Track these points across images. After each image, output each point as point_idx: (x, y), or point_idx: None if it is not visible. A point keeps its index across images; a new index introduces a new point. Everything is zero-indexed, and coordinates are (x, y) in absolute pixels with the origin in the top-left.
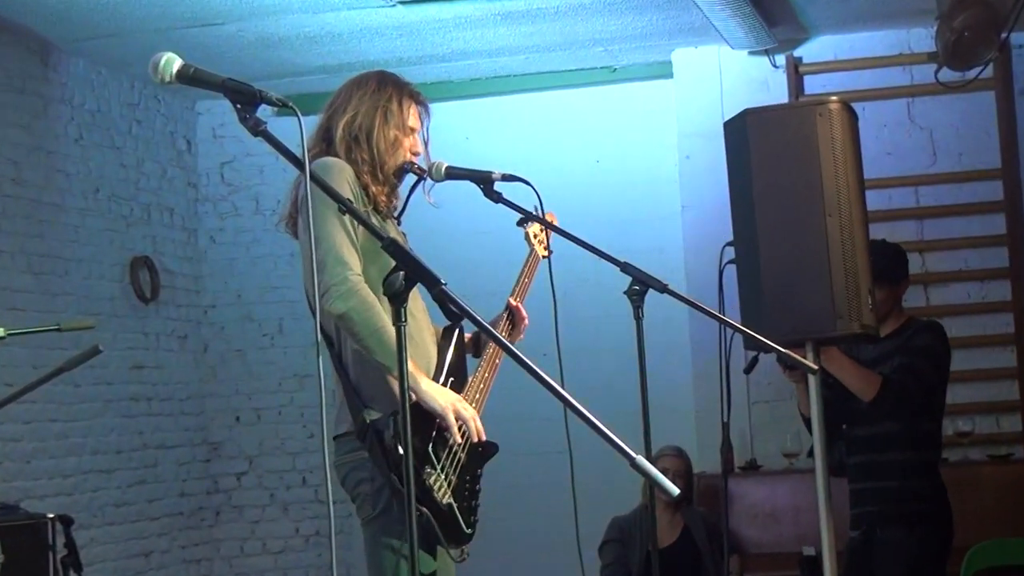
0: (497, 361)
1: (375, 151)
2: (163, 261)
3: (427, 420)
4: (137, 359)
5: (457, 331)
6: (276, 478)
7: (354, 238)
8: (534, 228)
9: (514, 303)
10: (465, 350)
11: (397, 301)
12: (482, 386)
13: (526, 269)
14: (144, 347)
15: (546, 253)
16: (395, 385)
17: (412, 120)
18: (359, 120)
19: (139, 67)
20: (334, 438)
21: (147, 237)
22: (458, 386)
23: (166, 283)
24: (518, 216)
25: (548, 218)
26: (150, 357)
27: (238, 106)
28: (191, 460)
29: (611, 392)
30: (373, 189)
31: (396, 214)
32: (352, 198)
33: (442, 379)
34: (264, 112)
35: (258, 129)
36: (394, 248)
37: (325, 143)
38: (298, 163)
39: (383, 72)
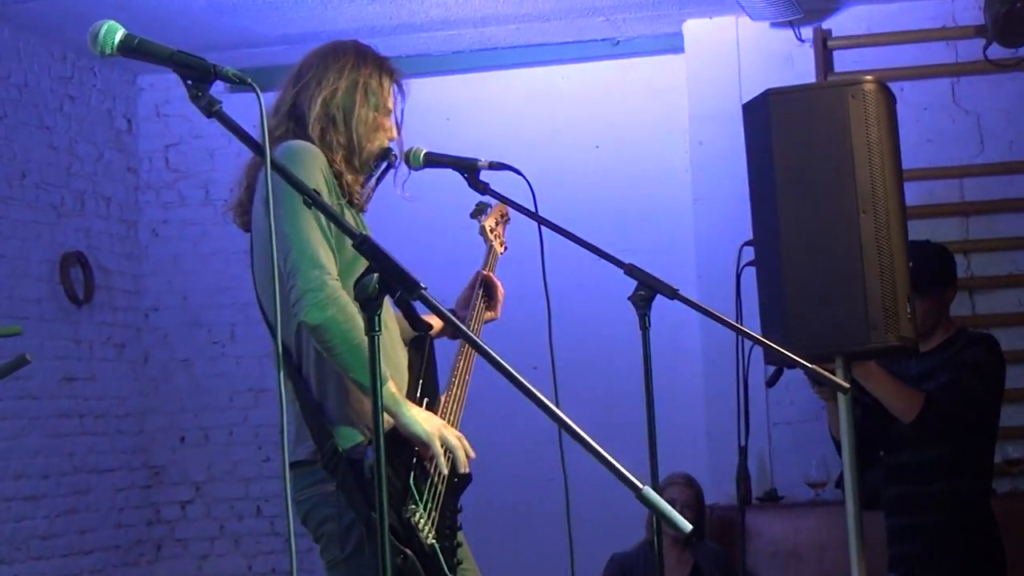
0: (468, 367)
1: (354, 134)
2: (98, 258)
3: (405, 449)
4: (68, 370)
5: (428, 343)
6: (226, 507)
7: (329, 235)
8: (489, 221)
9: (486, 272)
10: (435, 364)
11: (370, 307)
12: (455, 405)
13: (486, 269)
14: (76, 356)
15: (502, 249)
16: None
17: (390, 99)
18: (338, 97)
19: (73, 34)
20: (291, 465)
21: (80, 230)
22: (432, 406)
23: (101, 283)
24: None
25: (498, 211)
26: (83, 368)
27: (188, 82)
28: (129, 486)
29: (612, 411)
30: (348, 178)
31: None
32: (325, 189)
33: (416, 398)
34: (217, 89)
35: (212, 109)
36: (368, 247)
37: (293, 122)
38: (259, 149)
39: (359, 43)
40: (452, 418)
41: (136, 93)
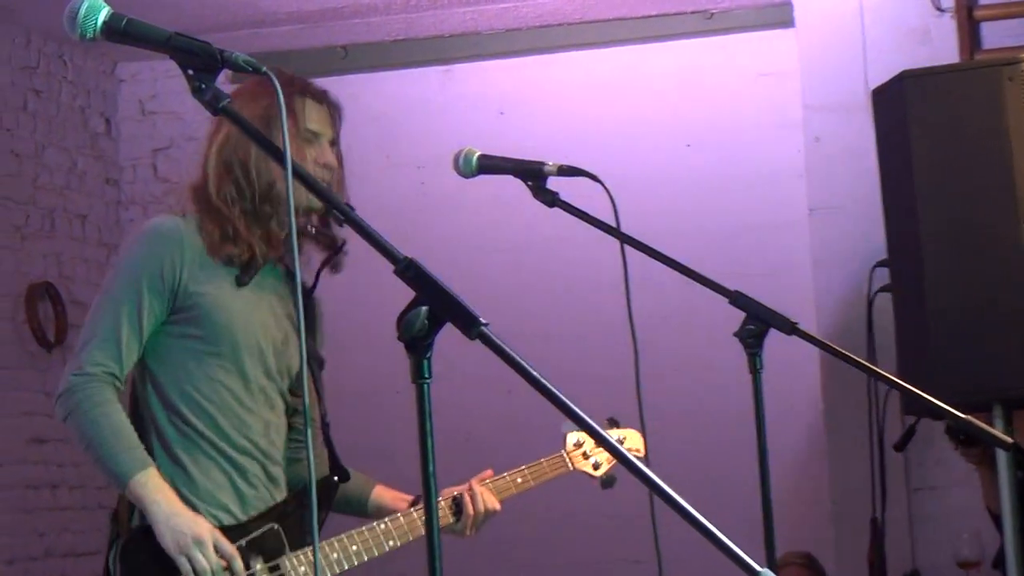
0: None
1: (252, 174)
2: (72, 290)
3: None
4: (35, 429)
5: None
6: None
7: (143, 320)
8: (582, 436)
9: (473, 490)
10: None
11: (418, 349)
12: (519, 480)
13: (537, 468)
14: (46, 412)
15: (594, 474)
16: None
17: (310, 120)
18: (232, 139)
19: (36, 16)
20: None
21: (49, 256)
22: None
23: (77, 321)
24: (582, 225)
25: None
26: (55, 427)
27: (190, 72)
28: None
29: (714, 473)
30: (254, 235)
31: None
32: (173, 275)
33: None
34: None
35: (220, 105)
36: (415, 273)
37: (196, 191)
38: (277, 152)
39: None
40: (508, 486)
41: (115, 86)
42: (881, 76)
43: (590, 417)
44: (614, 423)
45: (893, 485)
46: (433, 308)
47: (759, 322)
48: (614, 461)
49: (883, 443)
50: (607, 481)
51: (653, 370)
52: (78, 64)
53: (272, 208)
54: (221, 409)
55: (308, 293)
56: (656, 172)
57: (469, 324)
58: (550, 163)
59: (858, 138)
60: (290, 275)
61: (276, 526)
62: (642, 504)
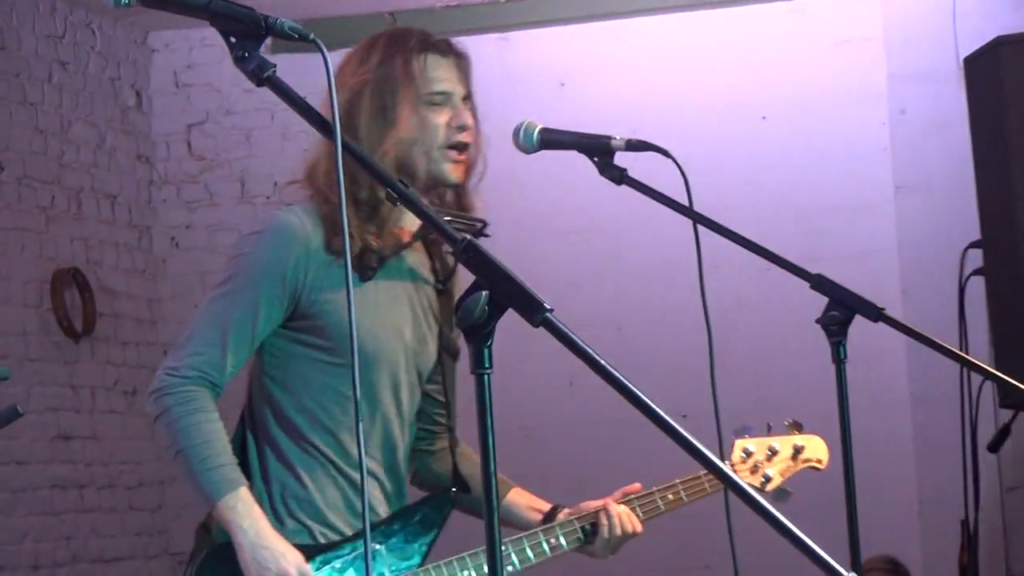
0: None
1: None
2: (100, 276)
3: None
4: (63, 426)
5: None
6: None
7: (257, 328)
8: (753, 444)
9: (609, 511)
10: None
11: (477, 338)
12: (669, 496)
13: (693, 484)
14: (73, 407)
15: (763, 491)
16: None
17: (436, 81)
18: (344, 106)
19: None
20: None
21: (76, 240)
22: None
23: (106, 309)
24: (652, 204)
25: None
26: (82, 423)
27: (232, 40)
28: None
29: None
30: (369, 232)
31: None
32: (296, 280)
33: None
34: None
35: (264, 75)
36: (475, 255)
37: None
38: (326, 127)
39: (388, 31)
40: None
41: (147, 56)
42: (973, 43)
43: (664, 410)
44: (797, 427)
45: (986, 484)
46: (494, 293)
47: (843, 308)
48: (788, 473)
49: (976, 439)
50: (779, 495)
51: (729, 359)
52: (107, 33)
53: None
54: (342, 426)
55: (447, 279)
56: (730, 147)
57: (533, 310)
58: (617, 137)
59: (948, 110)
60: (431, 255)
61: (379, 546)
62: (712, 505)
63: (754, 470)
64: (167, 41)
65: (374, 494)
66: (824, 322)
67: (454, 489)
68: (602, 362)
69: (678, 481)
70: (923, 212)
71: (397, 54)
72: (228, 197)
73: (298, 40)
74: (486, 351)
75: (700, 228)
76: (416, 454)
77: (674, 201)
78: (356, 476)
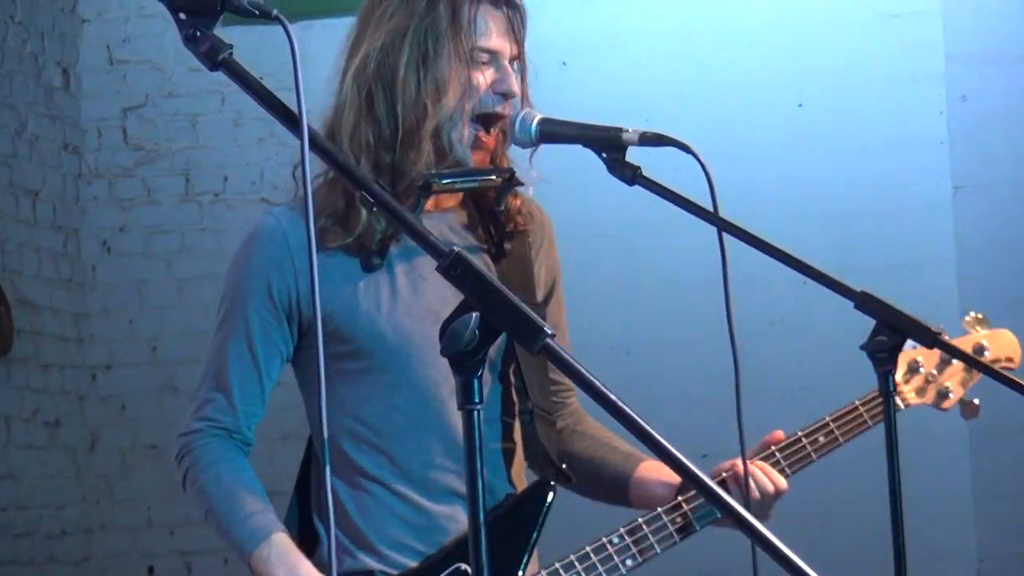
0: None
1: (400, 113)
2: (19, 287)
3: None
4: None
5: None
6: None
7: (258, 356)
8: (921, 354)
9: (738, 471)
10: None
11: (465, 368)
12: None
13: (850, 418)
14: None
15: (943, 405)
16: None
17: (485, 35)
18: (374, 58)
19: None
20: None
21: None
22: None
23: (25, 325)
24: (669, 208)
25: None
26: None
27: (182, 17)
28: None
29: (836, 518)
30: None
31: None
32: (287, 292)
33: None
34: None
35: (219, 58)
36: (464, 270)
37: (334, 111)
38: (292, 118)
39: None
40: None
41: (77, 28)
42: None
43: (681, 450)
44: (981, 322)
45: None
46: (486, 315)
47: (892, 332)
48: (971, 382)
49: None
50: (966, 409)
51: (758, 391)
52: (29, 1)
53: (414, 156)
54: (393, 438)
55: (502, 241)
56: (760, 140)
57: (531, 335)
58: (630, 129)
59: (1016, 96)
60: (481, 215)
61: (464, 567)
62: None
63: (921, 390)
64: (100, 9)
65: (446, 511)
66: (870, 348)
67: (552, 481)
68: (609, 394)
69: (829, 419)
70: (986, 215)
71: None
72: (170, 194)
73: (259, 16)
74: (476, 383)
75: (725, 236)
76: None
77: (696, 204)
78: (422, 502)
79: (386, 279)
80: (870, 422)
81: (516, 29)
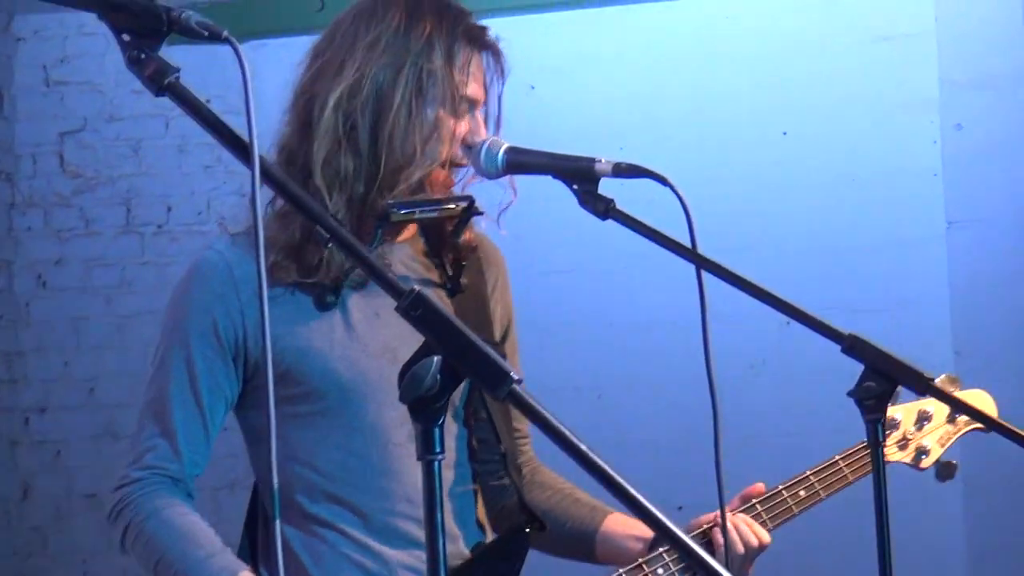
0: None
1: (383, 150)
2: None
3: None
4: None
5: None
6: None
7: (202, 398)
8: (899, 412)
9: (720, 523)
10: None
11: (425, 416)
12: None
13: (830, 473)
14: None
15: (920, 465)
16: None
17: (471, 84)
18: (366, 87)
19: None
20: None
21: None
22: None
23: None
24: (645, 244)
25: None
26: None
27: (125, 37)
28: None
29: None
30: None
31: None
32: (233, 330)
33: None
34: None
35: (165, 82)
36: (425, 311)
37: (300, 135)
38: (242, 148)
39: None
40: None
41: (11, 47)
42: None
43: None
44: (953, 381)
45: None
46: (449, 359)
47: (882, 378)
48: (948, 440)
49: None
50: (942, 471)
51: (738, 438)
52: None
53: (388, 194)
54: (351, 485)
55: (457, 274)
56: (742, 171)
57: (496, 381)
58: (603, 160)
59: (1015, 125)
60: (434, 249)
61: None
62: None
63: (903, 444)
64: (36, 27)
65: (416, 563)
66: (858, 395)
67: (526, 529)
68: (580, 445)
69: (810, 473)
70: (982, 252)
71: (443, 36)
72: (110, 225)
73: (208, 38)
74: (437, 432)
75: (704, 273)
76: (492, 494)
77: (672, 240)
78: (378, 545)
79: (340, 317)
80: (851, 477)
81: (493, 75)
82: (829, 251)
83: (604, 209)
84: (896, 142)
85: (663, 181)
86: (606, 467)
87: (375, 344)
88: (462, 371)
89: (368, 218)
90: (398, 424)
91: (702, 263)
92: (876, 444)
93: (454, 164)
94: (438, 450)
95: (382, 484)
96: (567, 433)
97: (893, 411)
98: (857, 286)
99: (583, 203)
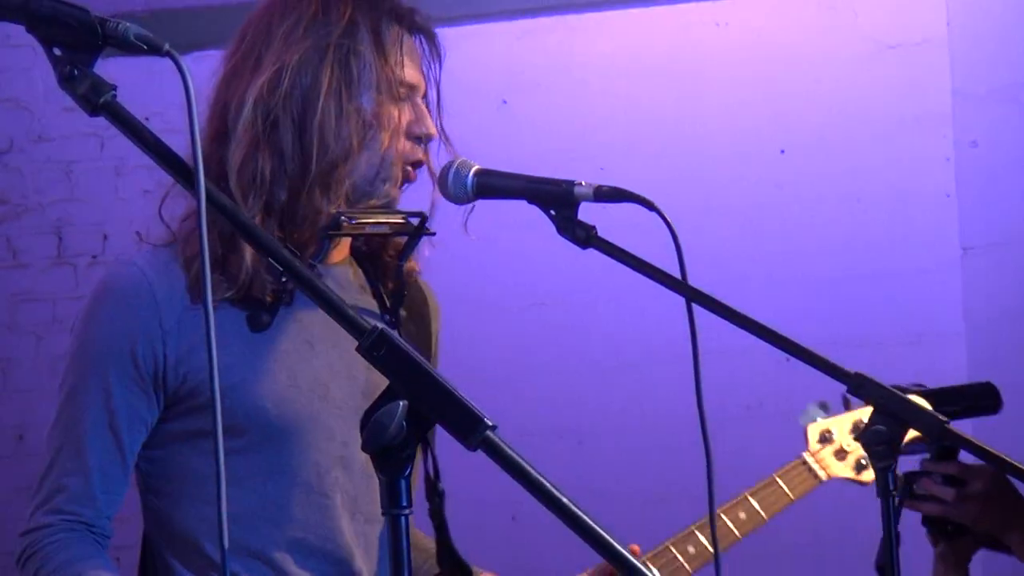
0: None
1: (315, 147)
2: None
3: None
4: None
5: None
6: None
7: (120, 431)
8: (831, 425)
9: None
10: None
11: (390, 466)
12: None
13: (769, 492)
14: None
15: (861, 478)
16: None
17: (407, 67)
18: (286, 80)
19: None
20: None
21: None
22: None
23: None
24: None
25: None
26: None
27: (56, 52)
28: None
29: None
30: (243, 262)
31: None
32: (152, 355)
33: None
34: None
35: (100, 101)
36: (389, 351)
37: (216, 143)
38: (185, 173)
39: None
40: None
41: None
42: None
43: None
44: (824, 408)
45: None
46: (415, 403)
47: (892, 421)
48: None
49: None
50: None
51: (734, 486)
52: None
53: (322, 198)
54: (265, 537)
55: (396, 303)
56: (736, 192)
57: (468, 427)
58: (583, 183)
59: None
60: (369, 275)
61: None
62: None
63: (841, 454)
64: None
65: None
66: (866, 440)
67: None
68: (561, 497)
69: (747, 493)
70: (999, 280)
71: (365, 16)
72: (39, 256)
73: (147, 51)
74: (403, 484)
75: (695, 306)
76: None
77: (660, 270)
78: None
79: (269, 343)
80: (791, 492)
81: (428, 59)
82: (832, 281)
83: (585, 237)
84: (905, 160)
85: (649, 206)
86: (589, 520)
87: (306, 377)
88: (431, 416)
89: (298, 230)
90: (324, 470)
91: (692, 295)
92: (887, 494)
93: (407, 163)
94: (404, 504)
95: (300, 537)
96: (546, 483)
97: (826, 426)
98: (863, 319)
99: (562, 230)
